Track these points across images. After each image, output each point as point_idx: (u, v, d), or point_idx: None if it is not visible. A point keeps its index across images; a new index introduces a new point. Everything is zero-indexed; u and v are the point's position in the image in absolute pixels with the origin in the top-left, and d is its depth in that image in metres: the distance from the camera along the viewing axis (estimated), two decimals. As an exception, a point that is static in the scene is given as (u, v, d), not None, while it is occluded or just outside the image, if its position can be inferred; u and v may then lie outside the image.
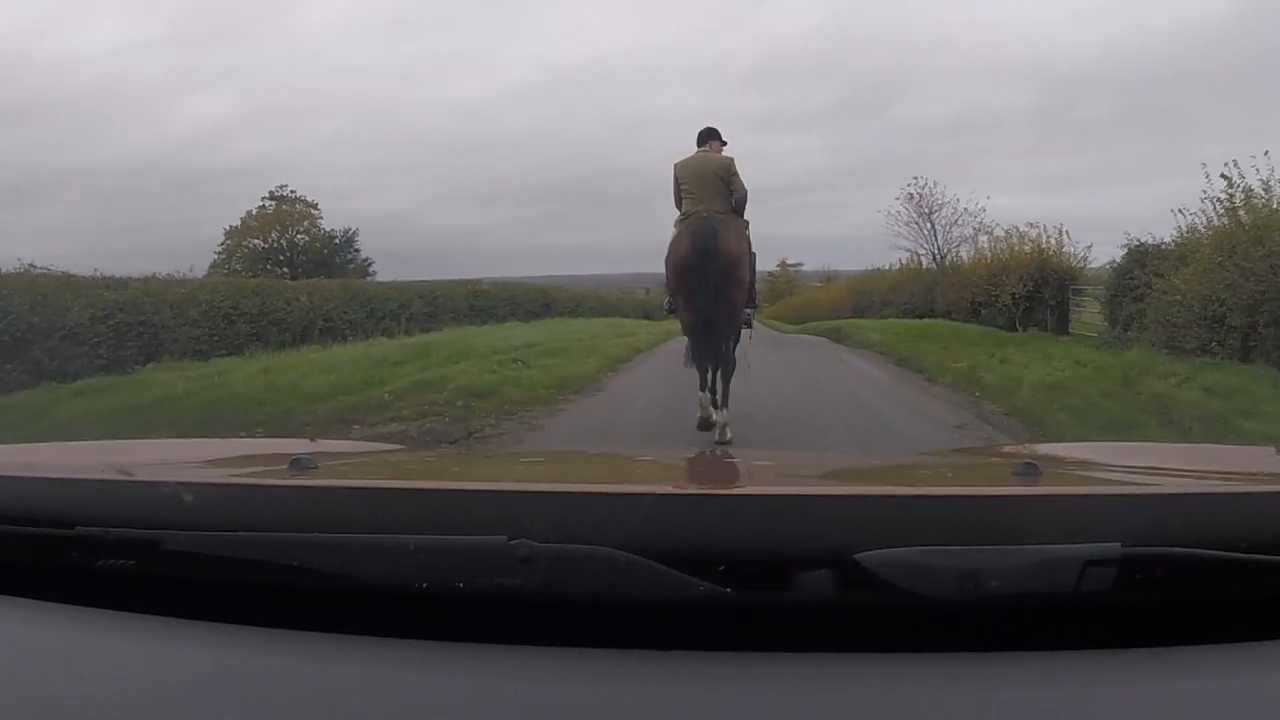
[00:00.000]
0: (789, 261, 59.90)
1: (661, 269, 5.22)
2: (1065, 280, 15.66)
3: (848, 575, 0.56)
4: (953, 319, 17.88)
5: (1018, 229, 17.15)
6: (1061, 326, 15.11)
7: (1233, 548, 0.57)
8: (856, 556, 0.56)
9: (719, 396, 5.12)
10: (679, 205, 5.12)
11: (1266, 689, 0.54)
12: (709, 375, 5.04)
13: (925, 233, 24.28)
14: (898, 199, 24.80)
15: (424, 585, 0.59)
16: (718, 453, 2.60)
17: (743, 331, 5.26)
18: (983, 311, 17.04)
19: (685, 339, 5.13)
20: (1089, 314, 14.74)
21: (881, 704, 0.53)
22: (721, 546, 0.59)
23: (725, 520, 0.62)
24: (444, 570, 0.58)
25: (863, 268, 30.31)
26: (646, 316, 23.85)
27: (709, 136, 5.27)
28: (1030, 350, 11.64)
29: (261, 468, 1.12)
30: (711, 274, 4.75)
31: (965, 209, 23.49)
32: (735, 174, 5.07)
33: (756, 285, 5.66)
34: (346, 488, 0.78)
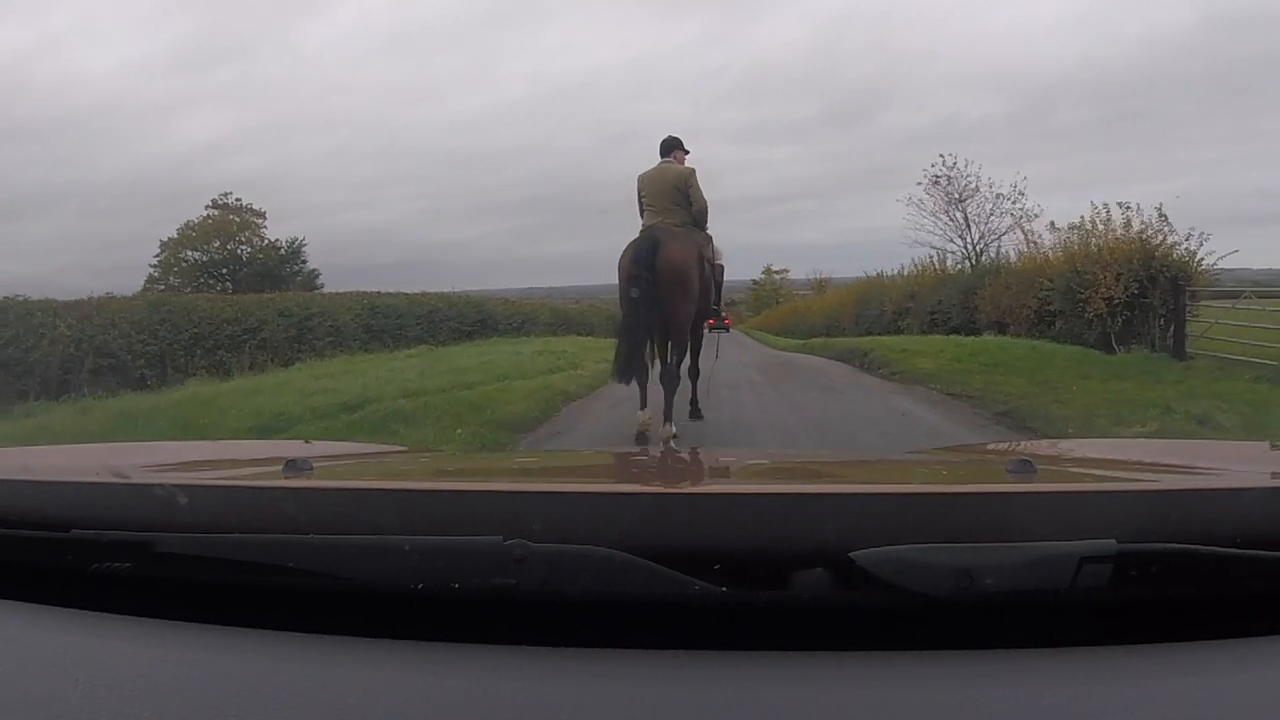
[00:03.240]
0: (774, 268, 55.85)
1: None
2: (1180, 281, 11.22)
3: (843, 573, 0.57)
4: (1010, 333, 13.50)
5: (1105, 209, 12.63)
6: (1178, 345, 10.73)
7: (1228, 543, 0.58)
8: (852, 555, 0.56)
9: (664, 410, 4.85)
10: (642, 217, 4.99)
11: (1262, 685, 0.54)
12: (647, 392, 4.80)
13: (956, 224, 20.01)
14: (920, 183, 20.56)
15: (419, 586, 0.59)
16: (714, 451, 2.55)
17: (707, 335, 5.13)
18: (1057, 323, 12.59)
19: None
20: (1218, 328, 10.45)
21: (877, 702, 0.53)
22: (717, 545, 0.59)
23: (720, 519, 0.62)
24: (439, 571, 0.59)
25: (851, 275, 26.49)
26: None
27: (672, 147, 5.12)
28: (1196, 390, 7.35)
29: (256, 469, 1.12)
30: (650, 287, 4.52)
31: (1002, 195, 19.29)
32: (694, 185, 4.94)
33: (723, 296, 5.46)
34: (341, 489, 0.77)
